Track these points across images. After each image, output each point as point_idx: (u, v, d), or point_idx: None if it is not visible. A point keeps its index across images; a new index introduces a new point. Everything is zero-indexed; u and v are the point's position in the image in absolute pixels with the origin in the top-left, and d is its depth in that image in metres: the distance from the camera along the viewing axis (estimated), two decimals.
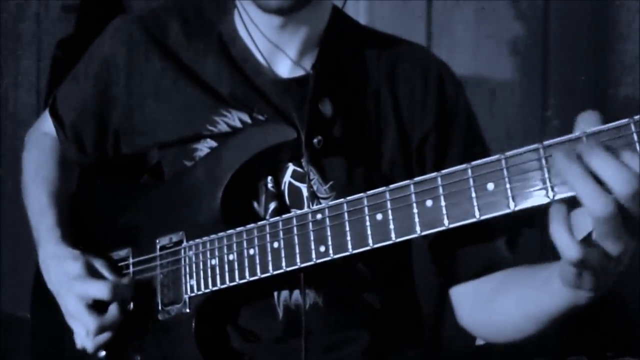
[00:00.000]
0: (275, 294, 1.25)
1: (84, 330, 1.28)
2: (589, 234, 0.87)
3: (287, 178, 1.26)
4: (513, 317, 1.16)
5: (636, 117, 0.81)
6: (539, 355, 1.25)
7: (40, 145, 1.49)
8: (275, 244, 1.15)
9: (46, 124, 1.49)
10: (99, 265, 1.31)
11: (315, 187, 1.25)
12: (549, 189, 0.87)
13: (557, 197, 0.87)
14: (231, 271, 1.19)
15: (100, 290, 1.27)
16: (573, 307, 1.01)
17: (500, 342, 1.23)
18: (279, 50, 1.29)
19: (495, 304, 1.20)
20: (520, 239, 1.27)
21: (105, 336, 1.28)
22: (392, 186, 1.03)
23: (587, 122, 0.86)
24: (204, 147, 1.30)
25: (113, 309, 1.28)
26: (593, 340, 1.80)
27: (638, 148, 0.81)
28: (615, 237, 0.85)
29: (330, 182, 1.26)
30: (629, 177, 0.80)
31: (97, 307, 1.28)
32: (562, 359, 1.26)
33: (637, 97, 2.18)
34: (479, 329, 1.26)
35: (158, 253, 1.30)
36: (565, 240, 0.86)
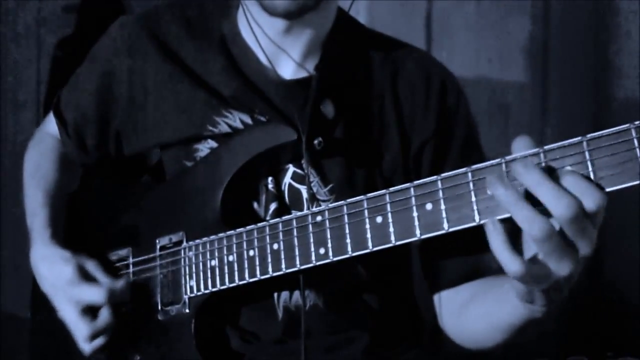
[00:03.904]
0: (275, 294, 1.25)
1: (79, 335, 1.27)
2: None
3: (287, 179, 1.26)
4: (480, 327, 1.19)
5: (636, 123, 0.81)
6: (539, 355, 1.25)
7: (41, 145, 1.49)
8: (275, 246, 1.15)
9: (49, 124, 1.49)
10: (92, 267, 1.29)
11: (315, 189, 1.25)
12: None
13: None
14: (231, 272, 1.19)
15: (94, 295, 1.26)
16: (531, 320, 1.03)
17: (472, 349, 1.26)
18: (282, 52, 1.28)
19: (467, 313, 1.23)
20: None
21: (100, 341, 1.27)
22: (392, 189, 1.02)
23: (521, 148, 0.88)
24: (205, 148, 1.29)
25: (105, 313, 1.26)
26: (593, 340, 1.81)
27: (638, 153, 0.81)
28: (557, 257, 0.86)
29: (330, 185, 1.26)
30: (567, 202, 0.83)
31: (92, 311, 1.27)
32: (562, 359, 1.26)
33: (637, 97, 2.19)
34: (454, 334, 1.29)
35: (158, 253, 1.29)
36: (506, 257, 0.87)
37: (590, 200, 0.83)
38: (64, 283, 1.27)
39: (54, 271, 1.29)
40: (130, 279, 1.31)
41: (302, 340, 1.21)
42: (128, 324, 1.30)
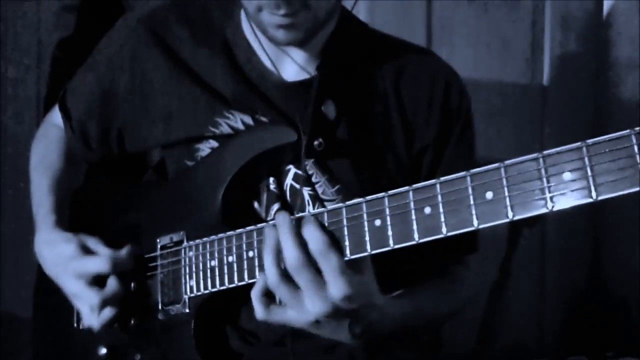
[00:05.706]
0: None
1: (88, 307, 1.27)
2: None
3: (289, 180, 1.27)
4: None
5: (637, 129, 0.81)
6: (539, 355, 1.25)
7: (48, 136, 1.50)
8: None
9: (55, 116, 1.50)
10: (92, 243, 1.29)
11: (321, 190, 1.26)
12: (548, 199, 0.87)
13: (556, 208, 0.86)
14: (230, 273, 1.19)
15: (97, 264, 1.26)
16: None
17: None
18: (285, 54, 1.29)
19: None
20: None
21: (109, 311, 1.26)
22: (391, 192, 1.02)
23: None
24: (206, 148, 1.30)
25: (112, 281, 1.26)
26: (593, 340, 1.81)
27: (638, 159, 0.81)
28: (294, 303, 1.04)
29: (337, 186, 1.26)
30: (293, 252, 1.02)
31: (98, 283, 1.26)
32: (562, 359, 1.26)
33: (637, 100, 2.18)
34: None
35: (159, 252, 1.30)
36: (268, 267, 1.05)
37: (314, 243, 1.01)
38: (67, 259, 1.27)
39: (57, 251, 1.29)
40: (133, 248, 1.30)
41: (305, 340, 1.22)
42: (128, 323, 1.30)
